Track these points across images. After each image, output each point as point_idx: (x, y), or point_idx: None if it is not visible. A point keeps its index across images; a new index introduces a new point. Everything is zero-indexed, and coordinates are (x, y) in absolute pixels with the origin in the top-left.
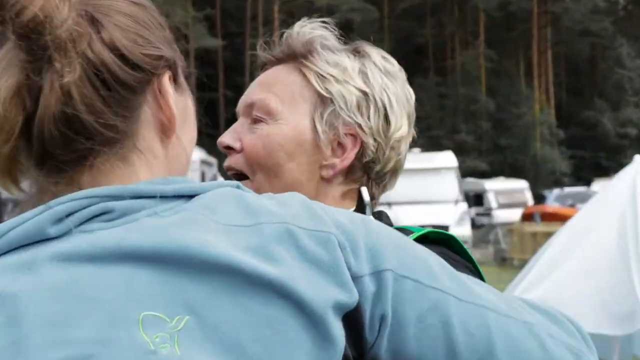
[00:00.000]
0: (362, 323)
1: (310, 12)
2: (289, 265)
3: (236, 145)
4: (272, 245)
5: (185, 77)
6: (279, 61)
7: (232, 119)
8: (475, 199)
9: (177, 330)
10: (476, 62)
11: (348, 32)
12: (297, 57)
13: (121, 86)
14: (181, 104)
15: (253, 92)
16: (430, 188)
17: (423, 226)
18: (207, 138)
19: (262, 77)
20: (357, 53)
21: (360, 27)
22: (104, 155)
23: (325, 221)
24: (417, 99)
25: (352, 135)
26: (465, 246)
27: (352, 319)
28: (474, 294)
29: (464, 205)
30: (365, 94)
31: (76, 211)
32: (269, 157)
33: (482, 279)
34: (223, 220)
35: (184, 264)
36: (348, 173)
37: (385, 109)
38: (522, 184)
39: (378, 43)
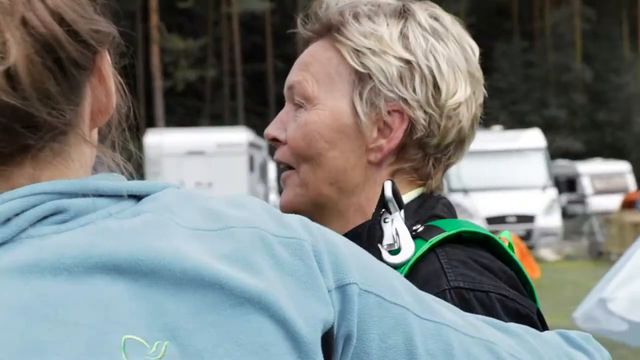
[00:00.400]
0: (331, 344)
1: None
2: (270, 279)
3: (282, 136)
4: (249, 254)
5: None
6: (317, 36)
7: (282, 95)
8: (568, 185)
9: (158, 358)
10: (570, 22)
11: None
12: (332, 31)
13: (74, 65)
14: (110, 85)
15: (293, 74)
16: (514, 172)
17: (505, 216)
18: (256, 117)
19: (301, 56)
20: (399, 14)
21: None
22: (49, 147)
23: (293, 226)
24: (498, 68)
25: (397, 111)
26: (553, 239)
27: (324, 340)
28: (434, 311)
29: (553, 192)
30: (407, 62)
31: (23, 211)
32: (309, 147)
33: (526, 282)
34: (187, 224)
35: (161, 277)
36: (400, 153)
37: (433, 76)
38: (623, 167)
39: (453, 3)
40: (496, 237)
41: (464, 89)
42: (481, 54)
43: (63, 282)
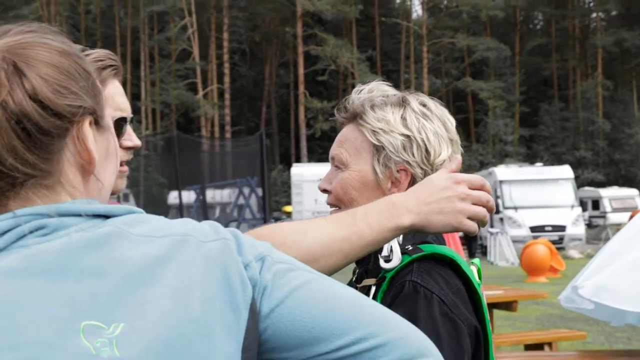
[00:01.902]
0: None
1: (453, 51)
2: (198, 271)
3: (329, 187)
4: (176, 252)
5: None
6: (347, 121)
7: None
8: (593, 204)
9: (115, 336)
10: (594, 90)
11: (484, 67)
12: (356, 117)
13: (41, 133)
14: (103, 144)
15: (334, 148)
16: (550, 195)
17: (544, 226)
18: None
19: (339, 136)
20: (399, 104)
21: (494, 63)
22: (29, 186)
23: (222, 232)
24: (542, 122)
25: (403, 170)
26: (578, 243)
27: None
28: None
29: (578, 210)
30: (407, 136)
31: (12, 228)
32: (345, 195)
33: (477, 299)
34: (140, 232)
35: (115, 276)
36: None
37: (425, 144)
38: (633, 192)
39: (510, 76)
40: (462, 260)
41: (446, 150)
42: (529, 113)
43: (40, 282)
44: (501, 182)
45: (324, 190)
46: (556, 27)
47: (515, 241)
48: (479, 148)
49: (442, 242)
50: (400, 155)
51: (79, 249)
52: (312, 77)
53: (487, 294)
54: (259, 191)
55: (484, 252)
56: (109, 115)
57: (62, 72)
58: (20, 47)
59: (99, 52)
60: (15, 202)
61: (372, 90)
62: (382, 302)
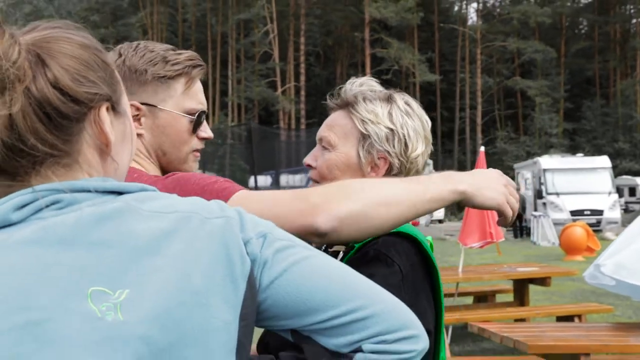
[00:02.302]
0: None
1: (504, 53)
2: (202, 245)
3: (314, 164)
4: (182, 228)
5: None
6: (338, 107)
7: (447, 131)
8: (630, 191)
9: (120, 301)
10: (633, 88)
11: (532, 67)
12: (348, 106)
13: (61, 117)
14: (120, 128)
15: (322, 130)
16: (589, 182)
17: (583, 210)
18: None
19: (328, 120)
20: (387, 100)
21: (541, 64)
22: (49, 164)
23: (226, 209)
24: (584, 117)
25: (383, 158)
26: (614, 226)
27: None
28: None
29: (615, 196)
30: (391, 130)
31: (31, 202)
32: (330, 173)
33: (434, 272)
34: (149, 208)
35: (122, 247)
36: None
37: (405, 139)
38: None
39: (555, 76)
40: (423, 239)
41: (421, 147)
42: (572, 109)
43: (53, 251)
44: (545, 170)
45: (308, 166)
46: (599, 32)
47: (556, 224)
48: (526, 140)
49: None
50: (382, 145)
51: (90, 222)
52: (377, 77)
53: (524, 270)
54: None
55: (527, 233)
56: (126, 103)
57: (81, 63)
58: (45, 40)
59: (190, 53)
60: (35, 179)
61: (362, 84)
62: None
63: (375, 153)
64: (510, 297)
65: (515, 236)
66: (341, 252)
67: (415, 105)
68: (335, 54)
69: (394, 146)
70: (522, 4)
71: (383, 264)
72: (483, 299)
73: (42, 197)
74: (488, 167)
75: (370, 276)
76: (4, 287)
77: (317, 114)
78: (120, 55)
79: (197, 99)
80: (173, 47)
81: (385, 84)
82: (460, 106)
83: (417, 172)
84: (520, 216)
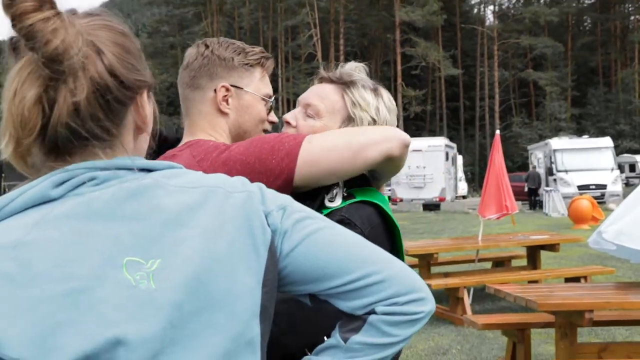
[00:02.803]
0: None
1: (518, 49)
2: (227, 216)
3: (293, 123)
4: (207, 201)
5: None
6: (331, 81)
7: (469, 118)
8: (630, 167)
9: (152, 270)
10: (632, 77)
11: (542, 61)
12: (343, 84)
13: (117, 102)
14: (149, 110)
15: (312, 98)
16: (594, 160)
17: (589, 185)
18: (450, 130)
19: (320, 89)
20: (376, 92)
21: (551, 57)
22: (100, 146)
23: (248, 184)
24: (590, 103)
25: None
26: (617, 198)
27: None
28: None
29: (617, 172)
30: (374, 120)
31: (69, 179)
32: None
33: (396, 231)
34: (176, 184)
35: (153, 219)
36: None
37: None
38: None
39: (563, 67)
40: (385, 202)
41: None
42: (579, 96)
43: (90, 224)
44: (555, 150)
45: (287, 123)
46: (601, 28)
47: (565, 197)
48: (538, 124)
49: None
50: None
51: (123, 197)
52: (407, 72)
53: (536, 238)
54: None
55: (540, 206)
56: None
57: (125, 51)
58: (92, 29)
59: (261, 48)
60: (80, 158)
61: (356, 69)
62: None
63: None
64: (524, 262)
65: (530, 208)
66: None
67: (394, 103)
68: (370, 53)
69: None
70: (533, 5)
71: (347, 226)
72: (500, 263)
73: (79, 174)
74: (505, 148)
75: None
76: (46, 258)
77: None
78: (207, 46)
79: (269, 86)
80: (245, 44)
81: (414, 78)
82: (480, 96)
83: None
84: (534, 190)
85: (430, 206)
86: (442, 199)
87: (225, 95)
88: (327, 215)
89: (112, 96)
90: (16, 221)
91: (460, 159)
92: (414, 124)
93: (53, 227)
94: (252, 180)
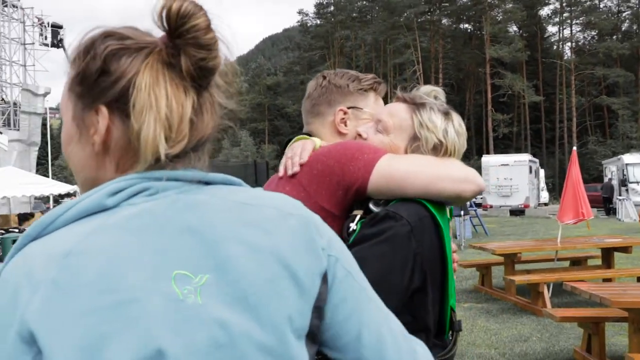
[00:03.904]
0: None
1: (593, 79)
2: (282, 238)
3: (364, 135)
4: (263, 220)
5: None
6: (405, 101)
7: (550, 138)
8: None
9: (200, 285)
10: None
11: (615, 88)
12: (414, 105)
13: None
14: None
15: (383, 113)
16: None
17: None
18: (533, 148)
19: (392, 107)
20: (447, 115)
21: (623, 85)
22: (202, 151)
23: (304, 209)
24: None
25: None
26: None
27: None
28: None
29: None
30: (440, 142)
31: (123, 189)
32: None
33: (440, 230)
34: (233, 199)
35: (205, 234)
36: None
37: (450, 154)
38: None
39: (634, 94)
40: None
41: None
42: None
43: (141, 236)
44: (627, 164)
45: (359, 135)
46: None
47: (636, 205)
48: (612, 142)
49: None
50: (427, 151)
51: (176, 209)
52: (496, 99)
53: (610, 241)
54: None
55: (614, 212)
56: None
57: None
58: None
59: (373, 75)
60: (196, 165)
61: (430, 93)
62: (361, 226)
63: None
64: (599, 262)
65: (606, 214)
66: (358, 215)
67: (464, 127)
68: (465, 84)
69: (437, 155)
70: (607, 41)
71: (392, 219)
72: (577, 263)
73: (134, 184)
74: (581, 163)
75: (381, 232)
76: (95, 269)
77: None
78: (324, 77)
79: (380, 108)
80: (359, 73)
81: (502, 104)
82: (559, 119)
83: None
84: (608, 199)
85: (516, 212)
86: (526, 206)
87: (343, 118)
88: (373, 214)
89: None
90: (70, 230)
91: (542, 172)
92: (502, 143)
93: (104, 237)
94: (329, 182)
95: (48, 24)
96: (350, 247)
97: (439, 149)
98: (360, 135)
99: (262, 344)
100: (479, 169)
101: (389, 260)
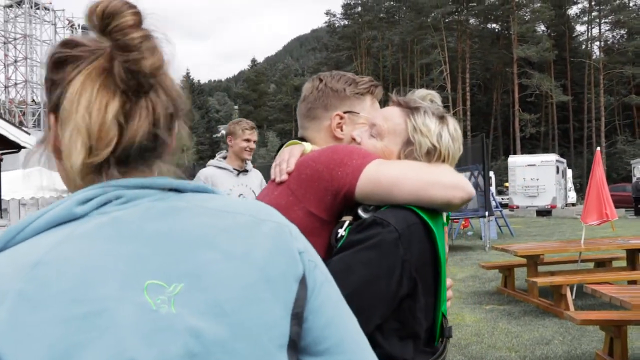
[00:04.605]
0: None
1: (622, 78)
2: (256, 244)
3: (358, 140)
4: (238, 226)
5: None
6: (400, 105)
7: (578, 138)
8: None
9: (174, 295)
10: None
11: None
12: (409, 109)
13: (172, 118)
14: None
15: (377, 118)
16: None
17: None
18: (562, 147)
19: (387, 111)
20: (442, 120)
21: None
22: (165, 158)
23: (278, 216)
24: None
25: None
26: None
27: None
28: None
29: None
30: (434, 147)
31: (94, 197)
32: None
33: (433, 235)
34: (207, 207)
35: (179, 241)
36: None
37: (444, 158)
38: None
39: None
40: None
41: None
42: None
43: (114, 244)
44: None
45: (353, 139)
46: None
47: None
48: None
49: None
50: (421, 156)
51: (149, 217)
52: (523, 99)
53: (636, 242)
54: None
55: None
56: None
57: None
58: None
59: (370, 77)
60: (134, 175)
61: (425, 97)
62: (349, 232)
63: (412, 159)
64: (624, 263)
65: (635, 214)
66: (347, 221)
67: (459, 130)
68: (492, 84)
69: (430, 160)
70: (636, 40)
71: (379, 226)
72: (602, 264)
73: (105, 192)
74: (609, 163)
75: (368, 238)
76: (66, 278)
77: (480, 129)
78: (320, 80)
79: (375, 112)
80: (356, 75)
81: (530, 104)
82: (587, 119)
83: None
84: (639, 199)
85: (543, 212)
86: (553, 206)
87: (339, 123)
88: (360, 220)
89: (178, 107)
90: (39, 240)
91: (569, 172)
92: (529, 143)
93: (74, 246)
94: (317, 187)
95: (79, 25)
96: (336, 253)
97: (433, 154)
98: (354, 139)
99: (237, 352)
100: (505, 169)
101: (375, 267)
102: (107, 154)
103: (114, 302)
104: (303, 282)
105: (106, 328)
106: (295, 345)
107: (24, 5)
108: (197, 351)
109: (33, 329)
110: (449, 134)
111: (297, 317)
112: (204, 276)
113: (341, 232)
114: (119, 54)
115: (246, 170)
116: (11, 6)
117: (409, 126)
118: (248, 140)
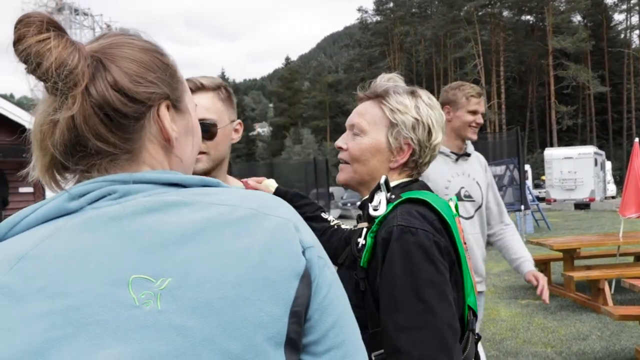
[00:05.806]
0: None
1: None
2: (255, 239)
3: (344, 146)
4: (235, 221)
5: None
6: (368, 98)
7: (617, 129)
8: None
9: (161, 289)
10: None
11: None
12: (378, 97)
13: (121, 117)
14: (182, 123)
15: (354, 117)
16: None
17: None
18: (601, 139)
19: (359, 108)
20: (413, 94)
21: None
22: (110, 161)
23: (285, 209)
24: None
25: (407, 144)
26: None
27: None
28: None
29: None
30: (417, 120)
31: (87, 192)
32: (362, 155)
33: (449, 226)
34: (205, 201)
35: (170, 236)
36: (404, 164)
37: (429, 127)
38: None
39: None
40: (434, 200)
41: (440, 135)
42: None
43: (99, 238)
44: None
45: (340, 148)
46: None
47: None
48: None
49: (428, 188)
50: (409, 132)
51: (140, 212)
52: (559, 91)
53: None
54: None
55: None
56: (190, 100)
57: (140, 65)
58: (108, 47)
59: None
60: (98, 174)
61: (389, 79)
62: (373, 241)
63: (402, 139)
64: None
65: None
66: (365, 228)
67: (435, 99)
68: (527, 77)
69: (418, 134)
70: None
71: (409, 235)
72: None
73: (98, 187)
74: None
75: (407, 252)
76: (50, 272)
77: (515, 121)
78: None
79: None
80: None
81: (566, 96)
82: (627, 109)
83: (432, 157)
84: None
85: (581, 205)
86: (591, 199)
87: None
88: (379, 223)
89: (114, 110)
90: (30, 234)
91: (608, 164)
92: (566, 135)
93: (61, 240)
94: None
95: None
96: (388, 279)
97: (417, 127)
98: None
99: (227, 351)
100: (541, 162)
101: (435, 274)
102: (48, 160)
103: (94, 297)
104: (305, 279)
105: (84, 324)
106: (295, 343)
107: (64, 12)
108: (184, 350)
109: (12, 322)
110: (425, 103)
111: (297, 315)
112: (194, 272)
113: (361, 241)
114: (24, 65)
115: (467, 154)
116: (52, 13)
117: (385, 111)
118: (475, 113)
